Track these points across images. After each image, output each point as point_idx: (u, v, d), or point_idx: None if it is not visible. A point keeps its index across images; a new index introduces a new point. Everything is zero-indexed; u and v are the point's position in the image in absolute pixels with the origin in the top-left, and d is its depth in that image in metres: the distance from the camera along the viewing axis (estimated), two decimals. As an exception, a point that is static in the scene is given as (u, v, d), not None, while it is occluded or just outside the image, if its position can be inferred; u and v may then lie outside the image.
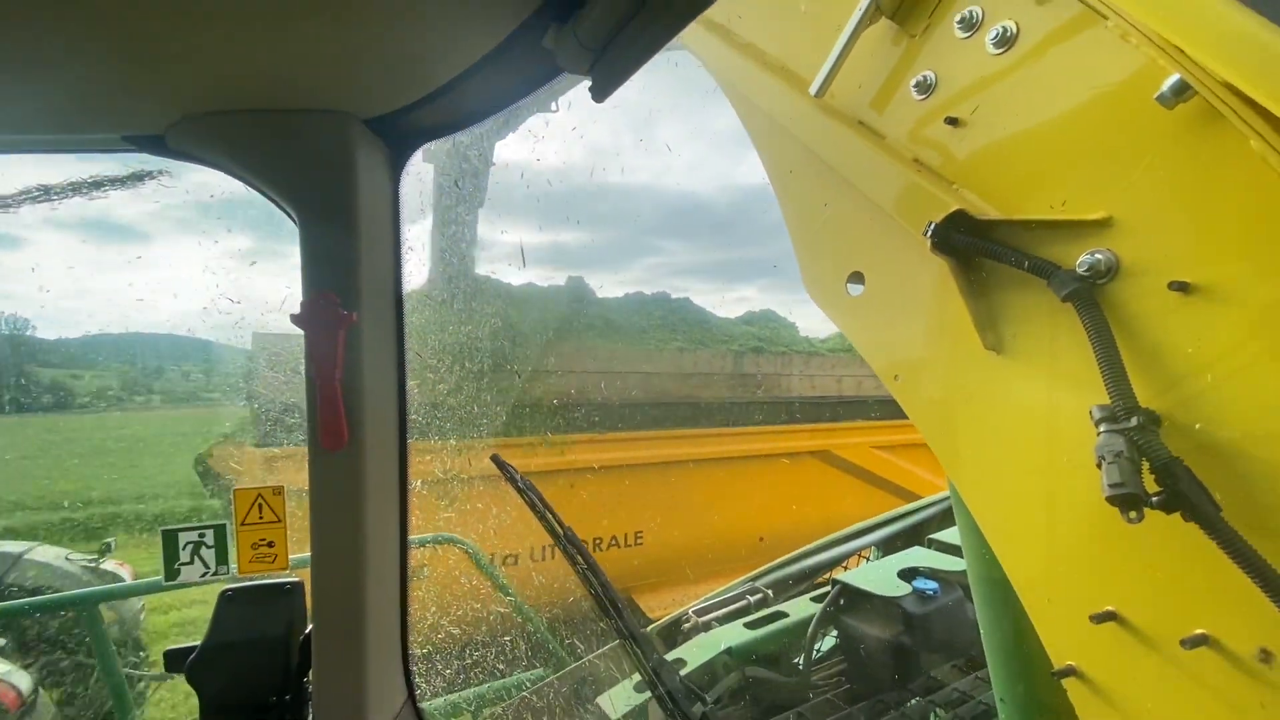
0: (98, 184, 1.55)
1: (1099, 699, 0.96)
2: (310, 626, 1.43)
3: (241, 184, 1.33)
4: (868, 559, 2.84)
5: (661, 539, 7.40)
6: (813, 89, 1.43)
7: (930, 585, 2.11)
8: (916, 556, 2.36)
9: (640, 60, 0.91)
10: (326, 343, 1.23)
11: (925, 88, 1.25)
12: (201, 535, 1.55)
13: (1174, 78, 0.83)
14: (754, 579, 2.68)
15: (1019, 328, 1.09)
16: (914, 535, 2.83)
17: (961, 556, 2.34)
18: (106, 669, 2.75)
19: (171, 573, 1.54)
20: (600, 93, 0.96)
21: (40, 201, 1.52)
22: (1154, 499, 0.81)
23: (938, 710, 2.07)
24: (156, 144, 1.26)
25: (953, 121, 1.19)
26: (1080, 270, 0.96)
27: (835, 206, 1.52)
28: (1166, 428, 0.87)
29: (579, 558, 1.27)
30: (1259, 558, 0.75)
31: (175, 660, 1.45)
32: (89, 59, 0.95)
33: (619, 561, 6.72)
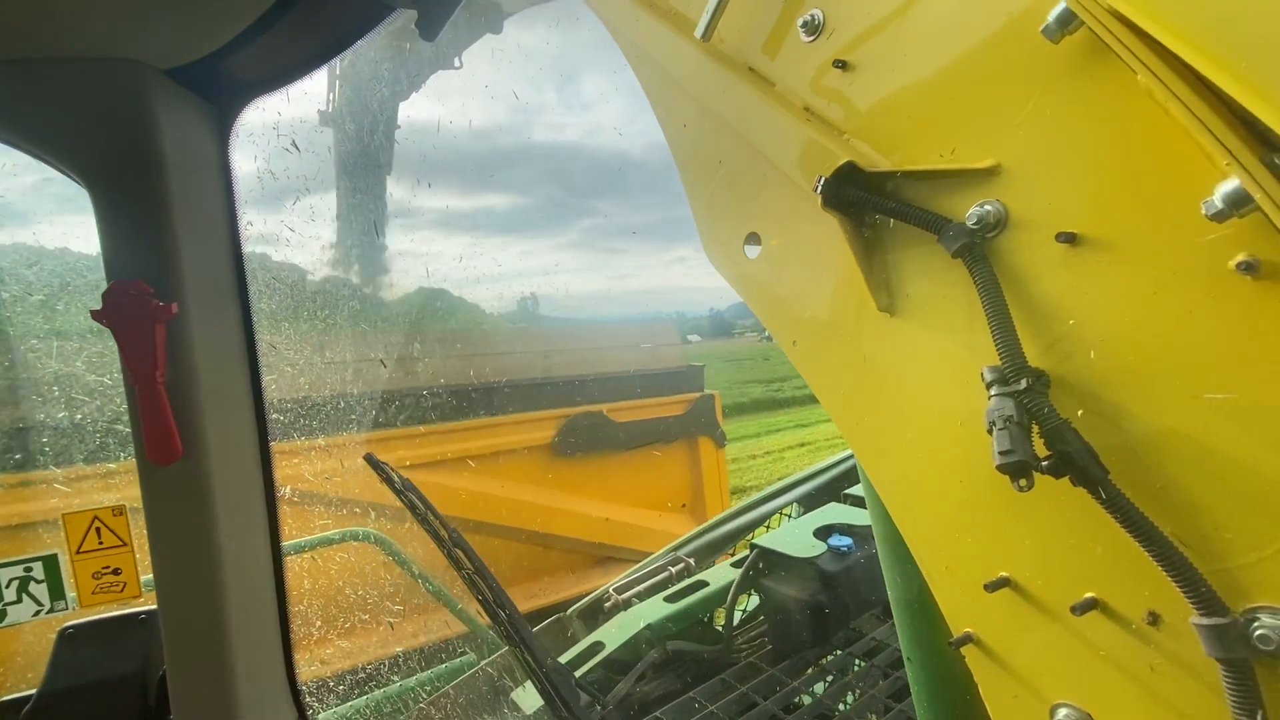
0: None
1: (995, 665, 0.94)
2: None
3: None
4: (790, 517, 2.87)
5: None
6: (697, 32, 1.31)
7: (845, 541, 2.13)
8: (832, 513, 2.38)
9: None
10: (141, 340, 1.04)
11: (813, 28, 1.15)
12: (27, 569, 1.34)
13: (1060, 6, 0.76)
14: (675, 549, 2.66)
15: (912, 287, 1.03)
16: (833, 491, 2.88)
17: (869, 514, 2.38)
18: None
19: (-4, 614, 1.34)
20: (428, 28, 0.81)
21: None
22: (1044, 463, 0.77)
23: (857, 661, 2.11)
24: None
25: (841, 65, 1.10)
26: (970, 223, 0.90)
27: (730, 163, 1.42)
28: (1058, 387, 0.83)
29: (465, 561, 1.16)
30: (1146, 521, 0.72)
31: (8, 713, 1.27)
32: None
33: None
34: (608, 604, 2.33)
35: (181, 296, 1.07)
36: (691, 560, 2.52)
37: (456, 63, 7.06)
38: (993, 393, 0.82)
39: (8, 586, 1.30)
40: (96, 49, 0.94)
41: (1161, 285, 0.74)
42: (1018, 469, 0.76)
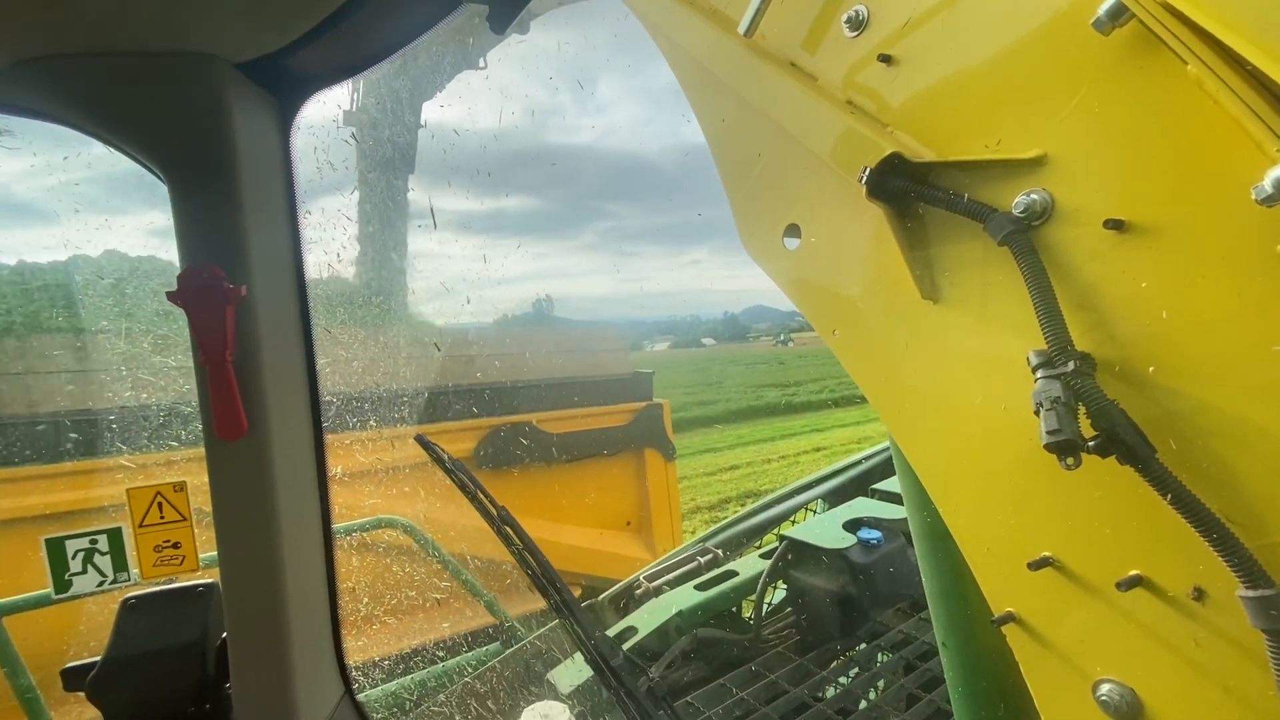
0: None
1: (1037, 643, 0.96)
2: (226, 631, 1.32)
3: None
4: (815, 512, 2.89)
5: None
6: (741, 28, 1.34)
7: (874, 534, 2.15)
8: (861, 507, 2.40)
9: None
10: (213, 321, 1.10)
11: (857, 24, 1.18)
12: (93, 541, 1.40)
13: (1110, 0, 0.78)
14: (704, 539, 2.69)
15: (956, 275, 1.06)
16: (859, 486, 2.89)
17: (903, 504, 2.39)
18: (16, 685, 2.56)
19: (62, 585, 1.40)
20: (499, 22, 0.85)
21: None
22: (1090, 444, 0.80)
23: (885, 653, 2.13)
24: None
25: (886, 59, 1.13)
26: (1016, 212, 0.92)
27: (769, 156, 1.45)
28: (1103, 370, 0.85)
29: (515, 538, 1.20)
30: (1193, 498, 0.74)
31: (74, 678, 1.33)
32: None
33: None
34: (638, 591, 2.37)
35: (249, 280, 1.13)
36: (720, 551, 2.55)
37: (481, 63, 7.15)
38: (1039, 375, 0.85)
39: (74, 558, 1.37)
40: (175, 43, 1.00)
41: (1210, 270, 0.76)
42: (1065, 447, 0.79)
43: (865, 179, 1.08)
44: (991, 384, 1.00)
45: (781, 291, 1.44)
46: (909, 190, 1.06)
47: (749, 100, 1.43)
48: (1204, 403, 0.78)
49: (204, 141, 1.07)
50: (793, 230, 1.40)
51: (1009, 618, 0.99)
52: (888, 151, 1.07)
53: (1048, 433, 0.79)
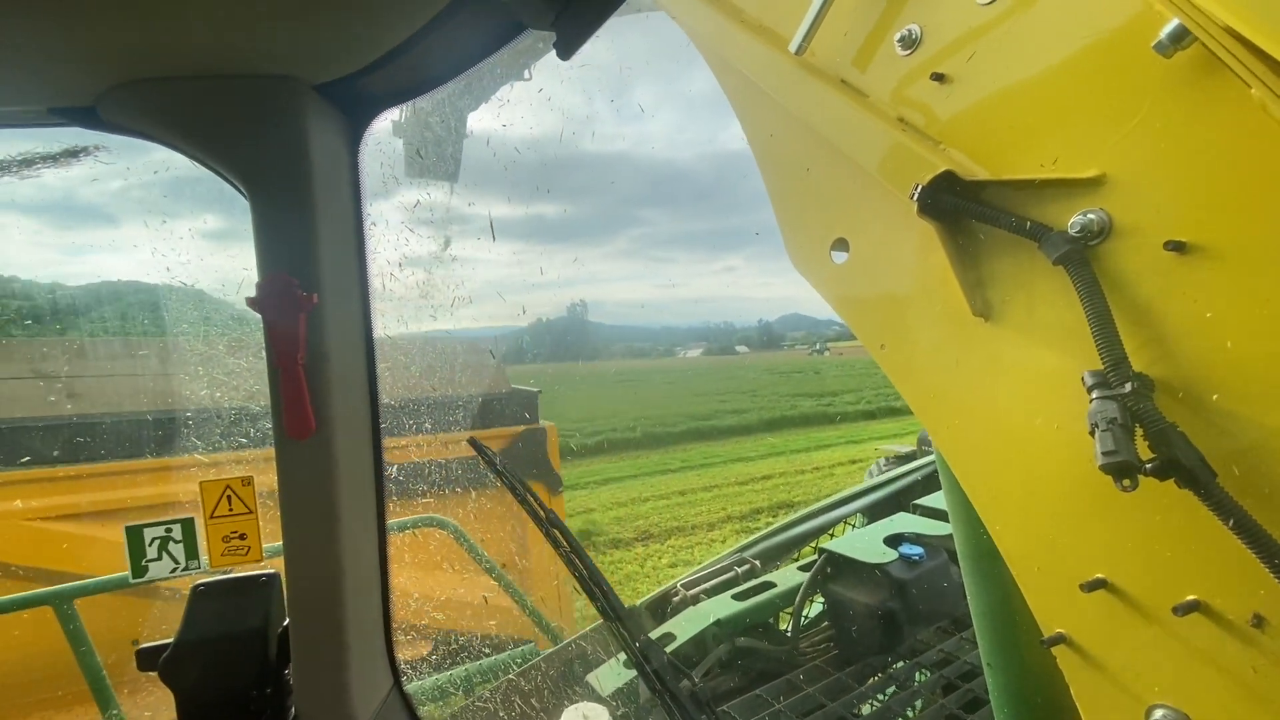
0: (28, 161, 1.45)
1: (1089, 666, 0.95)
2: (288, 619, 1.40)
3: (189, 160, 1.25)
4: (854, 526, 2.86)
5: None
6: (792, 46, 1.37)
7: (916, 550, 2.13)
8: (902, 522, 2.38)
9: (607, 11, 0.85)
10: (287, 327, 1.17)
11: (910, 42, 1.19)
12: (168, 530, 1.49)
13: (1173, 23, 0.78)
14: (742, 550, 2.69)
15: (1009, 292, 1.06)
16: (899, 501, 2.86)
17: (946, 520, 2.36)
18: (86, 664, 2.71)
19: (139, 569, 1.49)
20: (566, 49, 0.89)
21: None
22: (1148, 466, 0.79)
23: (924, 671, 2.10)
24: (87, 116, 1.17)
25: (939, 78, 1.14)
26: (1072, 231, 0.92)
27: (817, 171, 1.46)
28: (1161, 393, 0.84)
29: (562, 540, 1.24)
30: (1255, 524, 0.73)
31: (147, 658, 1.41)
32: (5, 25, 0.86)
33: None
34: (675, 599, 2.39)
35: (320, 288, 1.19)
36: (757, 562, 2.55)
37: (526, 74, 7.28)
38: (1095, 396, 0.85)
39: (150, 545, 1.46)
40: (262, 67, 1.07)
41: (1273, 293, 0.76)
42: (1122, 469, 0.78)
43: (917, 196, 1.09)
44: (1044, 402, 0.99)
45: (827, 303, 1.45)
46: (962, 208, 1.07)
47: (797, 116, 1.45)
48: (1266, 426, 0.77)
49: (283, 158, 1.14)
50: (840, 244, 1.41)
51: (1060, 639, 0.98)
52: (940, 169, 1.08)
53: (1104, 454, 0.79)
